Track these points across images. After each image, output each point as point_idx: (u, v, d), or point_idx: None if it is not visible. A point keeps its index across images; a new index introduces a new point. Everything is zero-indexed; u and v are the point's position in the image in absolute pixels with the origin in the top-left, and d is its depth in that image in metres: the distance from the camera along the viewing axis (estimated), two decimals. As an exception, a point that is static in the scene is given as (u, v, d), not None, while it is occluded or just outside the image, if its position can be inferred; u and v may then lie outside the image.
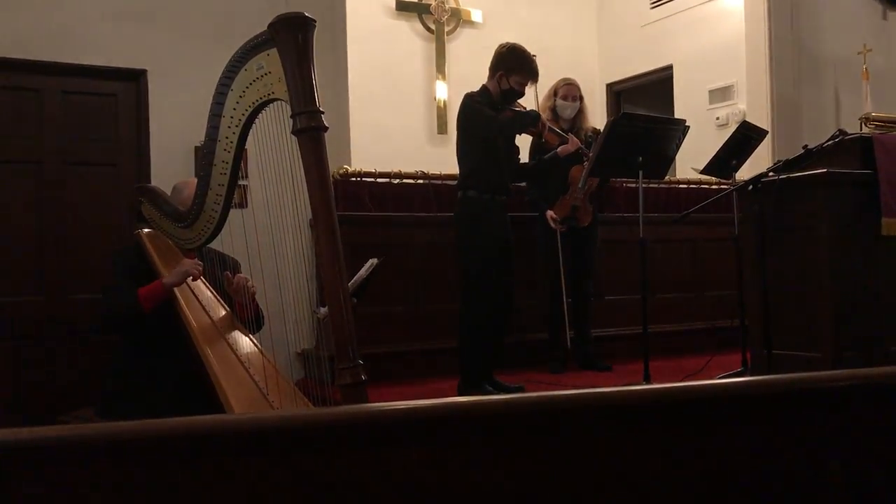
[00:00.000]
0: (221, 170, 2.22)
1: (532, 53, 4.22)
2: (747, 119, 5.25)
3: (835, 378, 1.12)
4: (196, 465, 0.90)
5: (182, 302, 2.78)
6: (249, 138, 2.18)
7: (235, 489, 0.91)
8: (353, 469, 0.93)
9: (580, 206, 4.63)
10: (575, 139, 4.45)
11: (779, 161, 3.91)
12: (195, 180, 2.48)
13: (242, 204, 3.94)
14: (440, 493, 0.95)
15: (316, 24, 1.99)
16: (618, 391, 1.05)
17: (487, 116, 4.05)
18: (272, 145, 2.11)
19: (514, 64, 4.14)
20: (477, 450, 0.98)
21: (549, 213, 4.62)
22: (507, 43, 4.24)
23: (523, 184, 4.86)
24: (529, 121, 4.18)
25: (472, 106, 4.11)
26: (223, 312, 2.87)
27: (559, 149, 4.39)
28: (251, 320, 2.85)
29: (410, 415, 0.97)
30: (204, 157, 2.25)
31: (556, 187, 4.66)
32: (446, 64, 7.82)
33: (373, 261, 3.16)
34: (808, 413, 1.09)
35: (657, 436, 1.04)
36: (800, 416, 1.09)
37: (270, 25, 1.99)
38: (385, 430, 0.96)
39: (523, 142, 4.61)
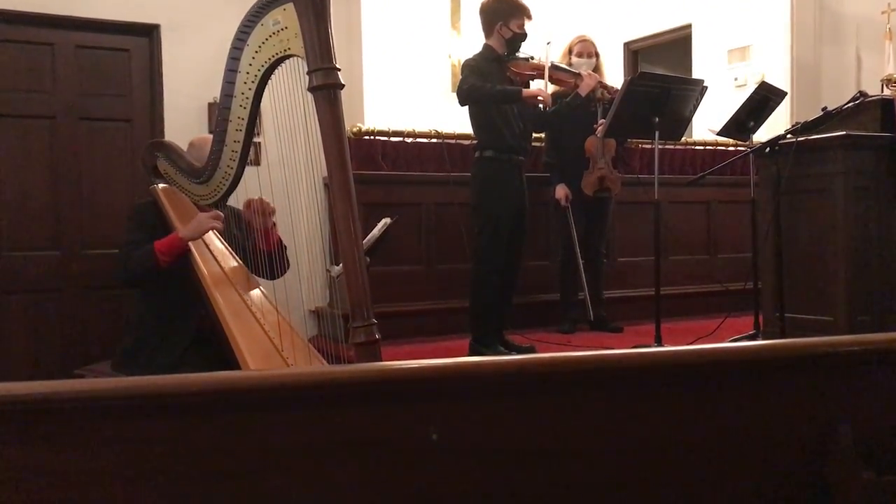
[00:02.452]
0: (237, 126, 2.21)
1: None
2: (766, 80, 5.17)
3: (848, 343, 1.11)
4: (212, 421, 0.92)
5: (197, 256, 2.78)
6: (264, 96, 2.17)
7: (250, 446, 0.92)
8: (368, 426, 0.94)
9: (606, 175, 4.60)
10: (592, 73, 4.40)
11: (797, 123, 3.86)
12: (210, 137, 2.47)
13: (257, 161, 3.94)
14: (453, 452, 0.96)
15: (333, -22, 1.96)
16: (627, 353, 1.06)
17: (467, 88, 4.03)
18: (287, 102, 2.10)
19: (507, 10, 4.15)
20: (489, 409, 0.99)
21: (562, 192, 4.59)
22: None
23: (541, 144, 4.82)
24: (511, 95, 4.09)
25: (462, 73, 4.12)
26: (238, 267, 2.87)
27: (579, 88, 4.33)
28: (277, 256, 2.78)
29: (424, 374, 0.98)
30: (220, 112, 2.24)
31: (573, 158, 4.62)
32: (461, 19, 7.71)
33: (386, 220, 3.16)
34: (820, 377, 1.09)
35: (665, 399, 1.04)
36: (811, 381, 1.09)
37: (287, -20, 1.95)
38: (399, 388, 0.97)
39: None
